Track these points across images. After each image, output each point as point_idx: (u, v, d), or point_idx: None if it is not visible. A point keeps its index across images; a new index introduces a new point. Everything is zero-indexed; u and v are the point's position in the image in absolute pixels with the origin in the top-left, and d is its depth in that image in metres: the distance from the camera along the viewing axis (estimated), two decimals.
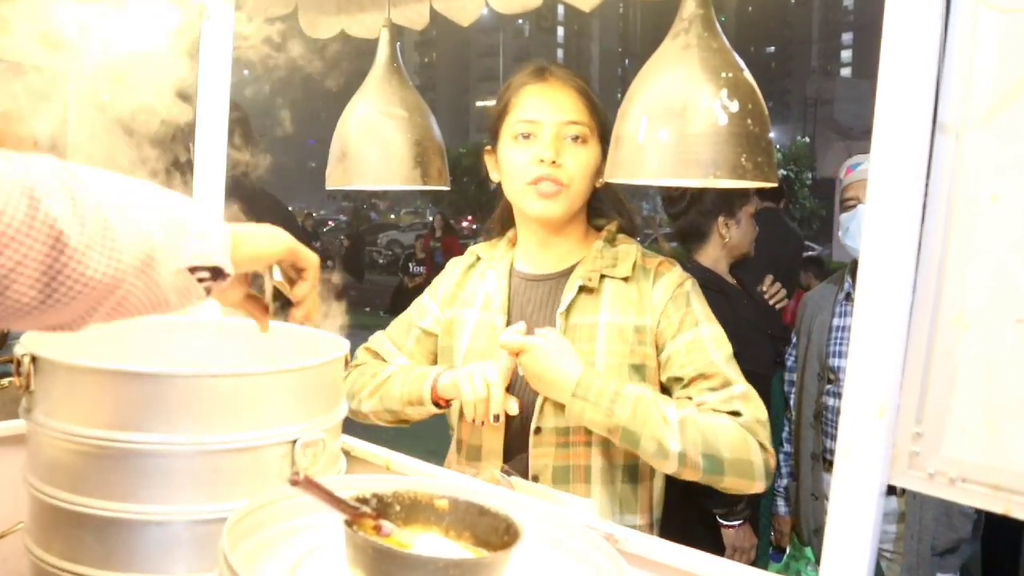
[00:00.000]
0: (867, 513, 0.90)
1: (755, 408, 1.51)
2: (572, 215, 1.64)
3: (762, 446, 1.49)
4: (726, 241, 2.63)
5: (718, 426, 1.47)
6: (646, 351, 1.59)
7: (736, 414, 1.49)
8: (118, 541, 1.17)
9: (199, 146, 1.88)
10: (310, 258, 1.15)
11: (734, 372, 1.55)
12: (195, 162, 1.87)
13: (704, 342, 1.56)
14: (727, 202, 2.62)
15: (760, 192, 5.35)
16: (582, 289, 1.61)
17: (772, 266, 3.05)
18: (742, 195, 2.64)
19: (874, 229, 0.92)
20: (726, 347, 1.58)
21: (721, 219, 2.62)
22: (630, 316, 1.60)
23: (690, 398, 1.54)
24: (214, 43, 1.87)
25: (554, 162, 1.56)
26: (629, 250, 1.66)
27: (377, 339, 1.86)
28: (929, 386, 0.89)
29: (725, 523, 2.44)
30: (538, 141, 1.59)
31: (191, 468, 1.17)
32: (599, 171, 1.62)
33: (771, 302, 2.86)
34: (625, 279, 1.62)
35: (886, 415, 0.89)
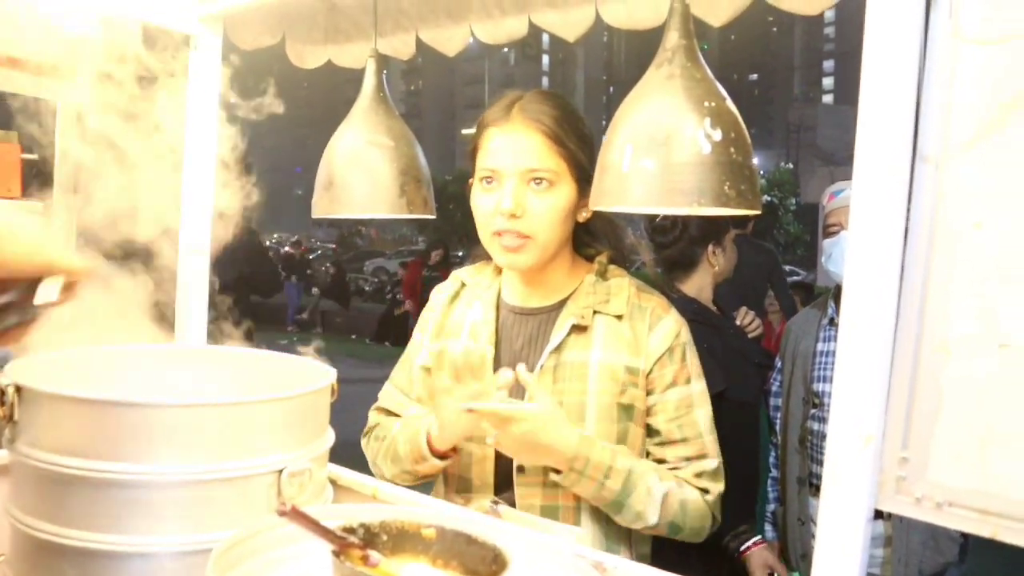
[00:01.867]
0: (855, 539, 0.90)
1: (720, 485, 1.60)
2: (548, 260, 1.59)
3: (714, 519, 1.60)
4: (715, 269, 2.64)
5: (689, 501, 1.55)
6: (637, 393, 1.57)
7: (705, 491, 1.57)
8: (102, 573, 1.15)
9: (187, 174, 1.88)
10: (77, 272, 1.05)
11: (711, 441, 1.60)
12: (183, 190, 1.87)
13: (693, 400, 1.59)
14: (715, 230, 2.64)
15: (731, 220, 5.41)
16: (574, 327, 1.57)
17: (748, 289, 3.07)
18: (725, 222, 2.66)
19: (857, 256, 0.93)
20: (708, 407, 1.62)
21: (710, 247, 2.64)
22: (622, 355, 1.57)
23: (664, 460, 1.59)
24: (201, 72, 1.88)
25: (513, 215, 1.51)
26: (622, 284, 1.63)
27: (385, 393, 1.79)
28: (914, 411, 0.89)
29: (743, 548, 2.43)
30: (500, 188, 1.53)
31: (176, 498, 1.16)
32: (576, 209, 1.58)
33: (749, 333, 2.87)
34: (619, 317, 1.59)
35: (872, 441, 0.90)
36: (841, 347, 0.93)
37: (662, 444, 1.59)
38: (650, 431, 1.60)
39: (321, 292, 18.26)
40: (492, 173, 1.55)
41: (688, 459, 1.57)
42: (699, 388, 1.61)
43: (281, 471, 1.23)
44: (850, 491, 0.91)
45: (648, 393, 1.59)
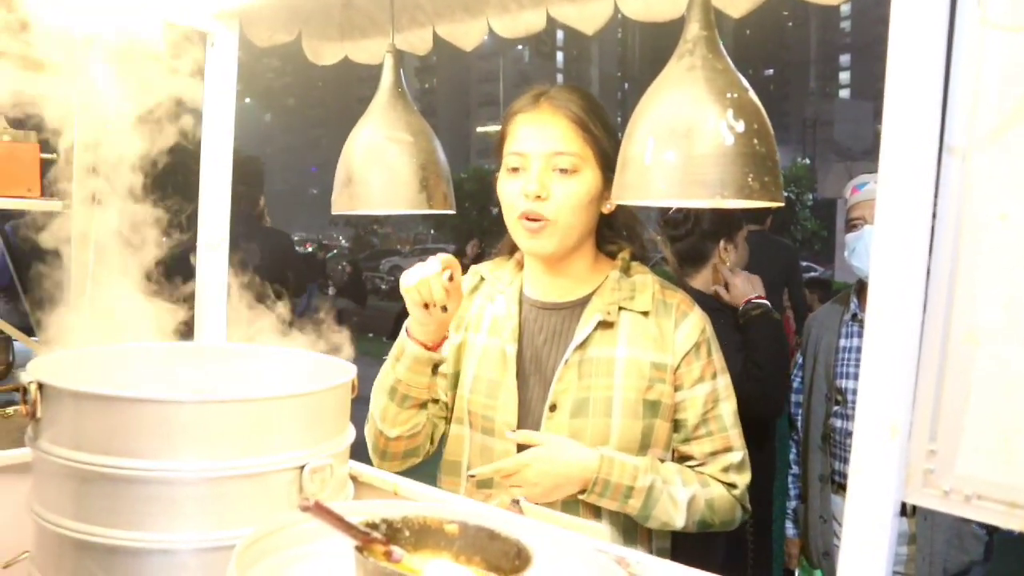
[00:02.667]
0: (882, 532, 0.89)
1: (746, 477, 1.62)
2: (569, 247, 1.60)
3: (744, 509, 1.62)
4: (726, 265, 2.63)
5: (716, 499, 1.58)
6: (663, 388, 1.58)
7: (732, 486, 1.60)
8: (124, 570, 1.16)
9: (204, 170, 1.88)
10: None
11: (736, 434, 1.62)
12: (200, 187, 1.87)
13: (719, 395, 1.61)
14: (727, 225, 2.62)
15: (747, 215, 5.38)
16: (600, 323, 1.58)
17: (766, 285, 3.05)
18: (739, 218, 2.63)
19: (883, 249, 0.92)
20: (733, 400, 1.64)
21: (722, 243, 2.62)
22: (649, 352, 1.58)
23: (691, 456, 1.62)
24: (218, 70, 1.88)
25: (539, 196, 1.53)
26: (646, 280, 1.64)
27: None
28: (942, 404, 0.88)
29: None
30: (526, 174, 1.56)
31: (198, 495, 1.16)
32: (601, 198, 1.59)
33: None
34: (644, 313, 1.60)
35: (899, 434, 0.89)
36: (868, 338, 0.92)
37: (688, 440, 1.61)
38: (676, 426, 1.60)
39: (337, 291, 18.30)
40: (519, 158, 1.57)
41: (714, 454, 1.59)
42: (724, 382, 1.62)
43: (303, 467, 1.23)
44: (876, 484, 0.90)
45: (676, 389, 1.59)
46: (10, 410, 2.11)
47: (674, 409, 1.60)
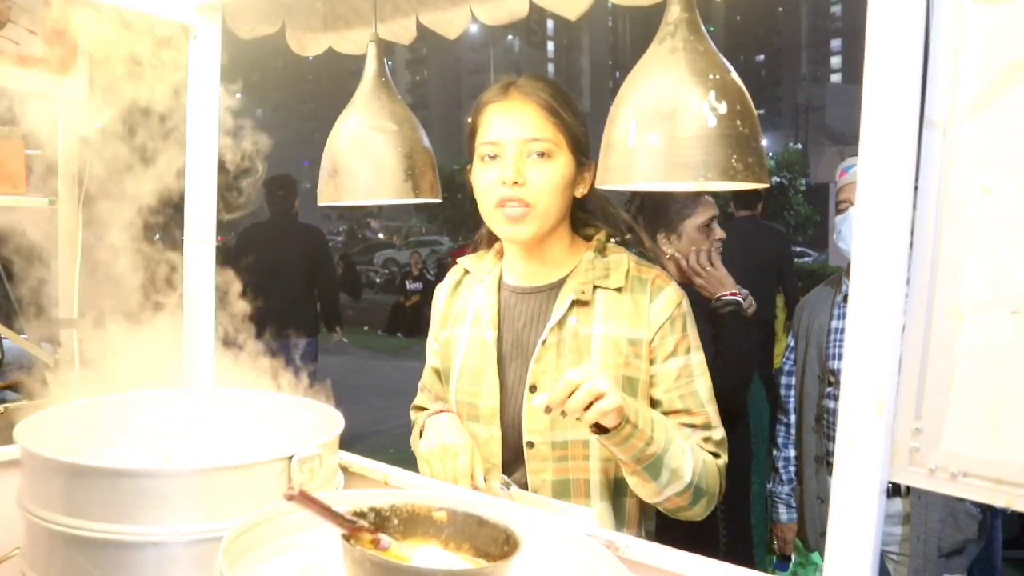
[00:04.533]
0: (869, 511, 0.89)
1: (725, 456, 1.59)
2: (548, 232, 1.60)
3: (722, 488, 1.57)
4: (667, 256, 2.55)
5: (708, 461, 1.53)
6: (640, 364, 1.57)
7: (716, 456, 1.57)
8: (115, 563, 1.16)
9: (189, 164, 1.87)
10: None
11: (714, 412, 1.60)
12: (186, 182, 1.86)
13: (693, 371, 1.59)
14: (665, 217, 2.56)
15: (737, 202, 5.37)
16: (575, 303, 1.59)
17: (758, 271, 3.03)
18: (681, 208, 2.57)
19: (865, 226, 0.92)
20: (708, 378, 1.61)
21: (661, 234, 2.55)
22: (624, 328, 1.58)
23: None
24: (201, 62, 1.87)
25: (516, 182, 1.54)
26: (621, 259, 1.64)
27: (420, 391, 1.86)
28: (927, 381, 0.88)
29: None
30: (502, 161, 1.57)
31: (186, 487, 1.16)
32: (574, 182, 1.60)
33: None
34: (618, 289, 1.60)
35: (884, 411, 0.89)
36: (851, 316, 0.92)
37: (664, 415, 1.56)
38: (652, 403, 1.59)
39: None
40: (493, 146, 1.57)
41: (693, 427, 1.57)
42: (698, 359, 1.61)
43: (291, 458, 1.23)
44: (863, 462, 0.90)
45: (650, 363, 1.58)
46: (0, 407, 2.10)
47: (649, 385, 1.59)
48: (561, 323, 1.59)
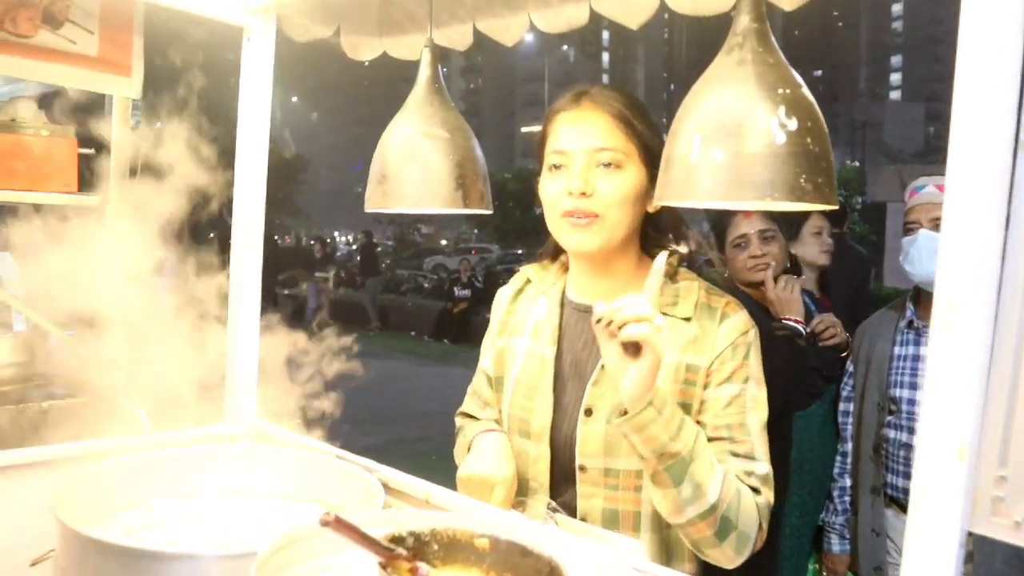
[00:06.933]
0: (946, 564, 0.82)
1: (771, 494, 1.48)
2: (615, 245, 1.54)
3: (761, 528, 1.45)
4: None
5: (744, 494, 1.43)
6: (694, 391, 1.50)
7: (756, 491, 1.46)
8: (148, 574, 1.14)
9: (239, 167, 1.86)
10: None
11: (762, 448, 1.49)
12: (235, 185, 1.85)
13: (746, 402, 1.50)
14: (718, 235, 2.57)
15: (828, 217, 5.26)
16: None
17: (839, 294, 2.97)
18: (724, 225, 2.57)
19: (950, 257, 0.84)
20: (763, 413, 1.52)
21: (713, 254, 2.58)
22: (687, 355, 1.51)
23: None
24: (255, 64, 1.86)
25: (583, 193, 1.49)
26: (691, 287, 1.57)
27: (468, 396, 1.81)
28: (1014, 425, 0.81)
29: None
30: (569, 171, 1.52)
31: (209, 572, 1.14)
32: (646, 195, 1.54)
33: (821, 342, 2.71)
34: (686, 319, 1.53)
35: (966, 456, 0.82)
36: (932, 352, 0.85)
37: (709, 440, 1.46)
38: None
39: (380, 289, 18.41)
40: (561, 156, 1.54)
41: (735, 455, 1.47)
42: (755, 392, 1.51)
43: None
44: (941, 511, 0.83)
45: (704, 387, 1.51)
46: (22, 405, 2.11)
47: (699, 411, 1.50)
48: None
